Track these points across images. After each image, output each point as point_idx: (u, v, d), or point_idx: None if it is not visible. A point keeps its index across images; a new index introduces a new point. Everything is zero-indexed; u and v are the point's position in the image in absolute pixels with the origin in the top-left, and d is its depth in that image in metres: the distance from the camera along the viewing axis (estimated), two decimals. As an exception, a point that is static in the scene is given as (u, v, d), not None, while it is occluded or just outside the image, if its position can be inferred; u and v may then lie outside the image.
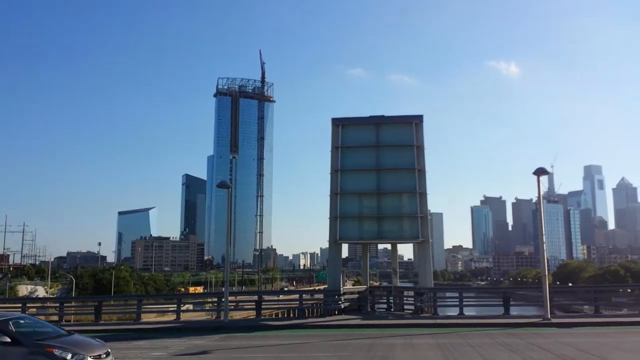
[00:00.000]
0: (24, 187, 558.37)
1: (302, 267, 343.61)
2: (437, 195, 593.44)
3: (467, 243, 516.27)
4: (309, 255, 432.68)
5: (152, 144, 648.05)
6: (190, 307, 37.76)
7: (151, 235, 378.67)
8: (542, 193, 29.09)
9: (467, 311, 31.23)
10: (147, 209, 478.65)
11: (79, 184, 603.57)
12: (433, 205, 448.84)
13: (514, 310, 30.75)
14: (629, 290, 40.91)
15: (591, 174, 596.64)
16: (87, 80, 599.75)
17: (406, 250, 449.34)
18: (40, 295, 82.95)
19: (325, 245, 35.35)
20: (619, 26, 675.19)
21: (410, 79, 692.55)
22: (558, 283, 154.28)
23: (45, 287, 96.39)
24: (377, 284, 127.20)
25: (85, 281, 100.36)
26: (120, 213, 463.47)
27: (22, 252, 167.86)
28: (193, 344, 21.43)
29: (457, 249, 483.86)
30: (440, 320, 27.63)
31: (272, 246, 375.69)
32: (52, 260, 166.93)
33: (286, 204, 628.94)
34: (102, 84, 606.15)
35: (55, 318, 35.07)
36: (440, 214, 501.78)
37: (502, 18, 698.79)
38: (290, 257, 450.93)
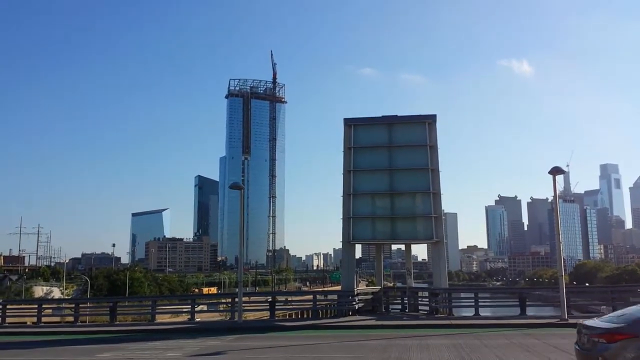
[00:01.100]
0: (39, 189, 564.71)
1: (315, 268, 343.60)
2: (451, 195, 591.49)
3: (482, 243, 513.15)
4: (322, 256, 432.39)
5: (165, 145, 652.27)
6: (205, 307, 37.83)
7: (164, 236, 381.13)
8: (558, 192, 28.75)
9: (483, 312, 30.95)
10: (161, 210, 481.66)
11: (92, 185, 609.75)
12: (447, 205, 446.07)
13: (530, 311, 30.38)
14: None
15: (607, 172, 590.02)
16: (99, 81, 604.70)
17: (420, 251, 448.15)
18: (56, 297, 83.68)
19: (339, 245, 35.30)
20: (634, 23, 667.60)
21: (422, 79, 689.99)
22: (575, 283, 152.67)
23: (61, 289, 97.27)
24: (391, 284, 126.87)
25: (100, 282, 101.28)
26: (133, 214, 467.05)
27: (37, 253, 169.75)
28: (207, 345, 21.42)
29: (472, 249, 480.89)
30: (455, 321, 27.40)
31: (285, 247, 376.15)
32: (67, 261, 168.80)
33: (299, 205, 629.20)
34: (114, 85, 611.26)
35: (71, 319, 35.36)
36: (455, 214, 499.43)
37: (513, 16, 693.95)
38: (304, 258, 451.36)
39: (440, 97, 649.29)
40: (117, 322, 32.38)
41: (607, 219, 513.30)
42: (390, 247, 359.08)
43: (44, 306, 36.64)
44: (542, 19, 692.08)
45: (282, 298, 40.70)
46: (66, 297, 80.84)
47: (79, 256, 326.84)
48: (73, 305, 38.06)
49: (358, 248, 42.79)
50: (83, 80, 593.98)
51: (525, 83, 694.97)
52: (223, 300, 44.39)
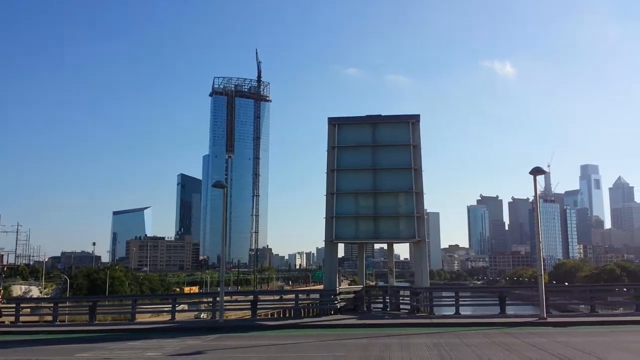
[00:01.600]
0: (18, 187, 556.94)
1: (298, 267, 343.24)
2: (434, 195, 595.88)
3: (464, 242, 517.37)
4: (304, 255, 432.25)
5: (147, 143, 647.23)
6: (185, 307, 37.57)
7: (146, 235, 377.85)
8: (538, 192, 29.07)
9: (464, 310, 31.18)
10: (142, 209, 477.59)
11: (73, 183, 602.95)
12: (429, 205, 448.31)
13: (510, 310, 30.69)
14: (624, 290, 40.87)
15: (588, 173, 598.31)
16: (82, 80, 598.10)
17: (403, 250, 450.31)
18: (35, 296, 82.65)
19: (322, 245, 35.29)
20: (615, 25, 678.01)
21: (406, 79, 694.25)
22: (554, 282, 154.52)
23: (40, 287, 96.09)
24: (373, 283, 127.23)
25: (80, 281, 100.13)
26: (114, 213, 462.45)
27: (16, 252, 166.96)
28: (188, 344, 21.28)
29: (454, 248, 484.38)
30: (436, 320, 27.56)
31: (267, 246, 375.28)
32: (46, 260, 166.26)
33: (282, 204, 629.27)
34: (96, 83, 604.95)
35: (50, 318, 34.89)
36: (437, 214, 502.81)
37: (496, 18, 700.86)
38: (286, 257, 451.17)
39: (424, 97, 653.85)
40: (97, 322, 32.03)
41: (587, 219, 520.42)
42: (373, 247, 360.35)
43: (22, 305, 36.11)
44: (524, 21, 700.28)
45: (265, 297, 40.60)
46: (45, 297, 79.76)
47: (59, 255, 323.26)
48: (52, 305, 37.48)
49: (341, 247, 42.86)
50: (64, 78, 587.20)
51: (507, 84, 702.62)
52: (204, 300, 44.14)
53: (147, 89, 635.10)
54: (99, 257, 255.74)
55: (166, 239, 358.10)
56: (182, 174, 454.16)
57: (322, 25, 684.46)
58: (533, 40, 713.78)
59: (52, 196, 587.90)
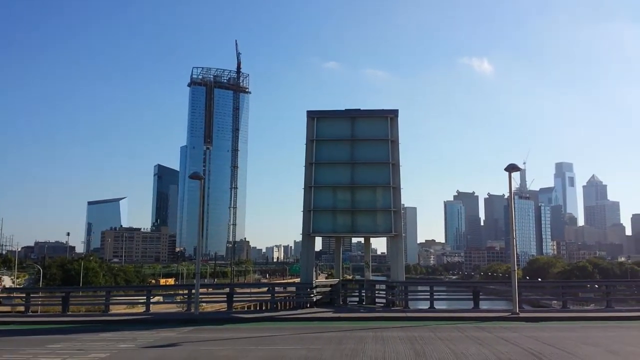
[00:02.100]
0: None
1: (275, 260, 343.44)
2: (411, 190, 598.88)
3: (440, 237, 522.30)
4: (282, 248, 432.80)
5: (124, 133, 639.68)
6: (161, 299, 37.29)
7: (121, 226, 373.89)
8: (513, 189, 29.45)
9: (438, 305, 31.49)
10: (118, 199, 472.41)
11: (47, 172, 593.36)
12: (407, 200, 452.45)
13: (484, 304, 31.11)
14: (596, 286, 41.77)
15: (562, 171, 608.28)
16: (57, 68, 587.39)
17: (380, 244, 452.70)
18: (7, 286, 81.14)
19: (300, 238, 35.26)
20: (590, 24, 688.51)
21: (384, 74, 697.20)
22: (528, 278, 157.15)
23: (12, 277, 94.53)
24: (350, 277, 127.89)
25: (54, 271, 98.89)
26: (89, 203, 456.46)
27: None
28: (162, 336, 21.15)
29: (430, 243, 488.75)
30: (411, 314, 27.80)
31: (245, 238, 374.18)
32: (19, 250, 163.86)
33: (260, 196, 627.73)
34: (72, 72, 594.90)
35: (22, 309, 34.34)
36: (414, 209, 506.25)
37: (475, 15, 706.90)
38: (264, 250, 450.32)
39: (402, 92, 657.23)
40: (70, 313, 31.62)
41: (561, 216, 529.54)
42: (351, 240, 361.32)
43: (-8, 295, 35.46)
44: (502, 19, 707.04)
45: (242, 290, 40.51)
46: (17, 287, 78.51)
47: (32, 245, 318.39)
48: (24, 295, 36.90)
49: (318, 241, 43.02)
50: (43, 67, 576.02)
51: (485, 81, 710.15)
52: (180, 292, 43.88)
53: (124, 77, 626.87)
54: (73, 248, 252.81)
55: (142, 230, 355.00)
56: (159, 165, 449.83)
57: (302, 17, 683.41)
58: (510, 38, 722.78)
59: (26, 185, 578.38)
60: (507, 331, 21.26)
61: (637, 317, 26.12)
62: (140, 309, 33.23)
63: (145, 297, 32.89)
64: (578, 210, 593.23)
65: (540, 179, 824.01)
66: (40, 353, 17.44)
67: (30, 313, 33.56)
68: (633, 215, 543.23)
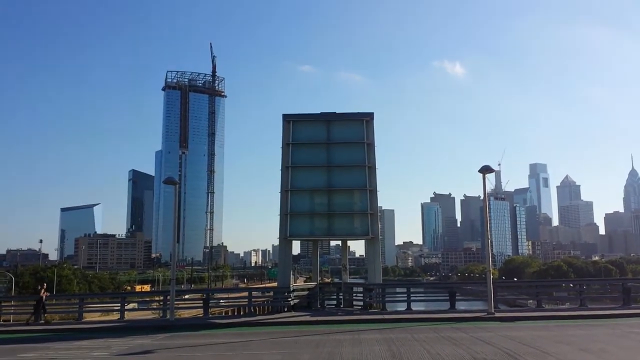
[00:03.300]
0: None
1: (253, 264, 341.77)
2: (389, 192, 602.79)
3: (418, 239, 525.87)
4: (260, 252, 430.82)
5: (97, 138, 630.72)
6: (136, 305, 36.76)
7: (96, 232, 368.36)
8: (489, 190, 29.82)
9: (415, 306, 31.67)
10: (92, 206, 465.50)
11: (19, 178, 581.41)
12: (385, 202, 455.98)
13: (461, 305, 31.35)
14: (571, 285, 42.45)
15: (537, 172, 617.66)
16: (29, 71, 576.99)
17: (358, 247, 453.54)
18: (-23, 295, 79.22)
19: (277, 242, 35.10)
20: (560, 27, 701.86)
21: (359, 77, 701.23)
22: (504, 278, 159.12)
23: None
24: (329, 280, 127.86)
25: (26, 279, 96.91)
26: (63, 209, 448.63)
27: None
28: (136, 344, 20.85)
29: (408, 245, 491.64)
30: (388, 316, 27.91)
31: (222, 243, 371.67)
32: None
33: (238, 201, 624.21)
34: (45, 74, 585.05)
35: (-8, 318, 33.56)
36: (392, 211, 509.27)
37: (447, 18, 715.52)
38: (242, 255, 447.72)
39: (377, 95, 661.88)
40: (43, 321, 30.96)
41: (536, 216, 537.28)
42: (329, 243, 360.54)
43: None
44: (474, 22, 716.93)
45: (219, 295, 40.15)
46: (-12, 296, 76.65)
47: (4, 252, 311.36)
48: (-5, 304, 36.05)
49: (297, 244, 42.97)
50: (14, 72, 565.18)
51: (458, 84, 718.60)
52: (156, 298, 43.31)
53: (98, 81, 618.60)
54: (46, 255, 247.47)
55: (117, 236, 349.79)
56: (133, 170, 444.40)
57: (275, 20, 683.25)
58: (482, 41, 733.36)
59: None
60: (483, 331, 21.46)
61: (609, 315, 26.62)
62: (115, 316, 32.73)
63: (119, 304, 32.42)
64: (552, 210, 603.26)
65: (515, 180, 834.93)
66: (11, 363, 17.03)
67: (2, 322, 32.84)
68: (606, 214, 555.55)
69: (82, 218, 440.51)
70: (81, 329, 27.15)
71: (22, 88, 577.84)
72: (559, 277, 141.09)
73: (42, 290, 30.67)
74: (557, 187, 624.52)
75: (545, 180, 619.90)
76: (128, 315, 33.29)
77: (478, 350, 16.78)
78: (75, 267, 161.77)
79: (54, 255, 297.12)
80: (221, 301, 37.66)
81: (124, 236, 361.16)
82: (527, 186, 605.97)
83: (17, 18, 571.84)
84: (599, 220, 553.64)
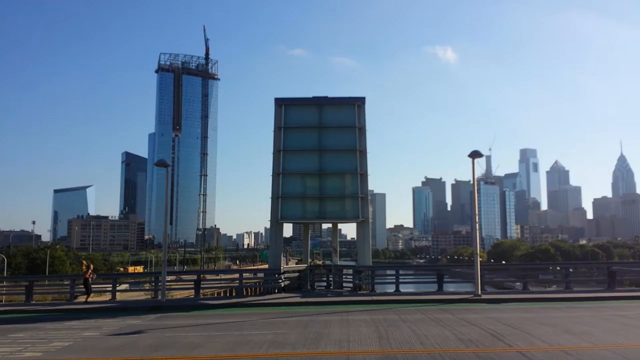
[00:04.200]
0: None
1: (246, 247, 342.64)
2: (381, 176, 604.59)
3: (408, 222, 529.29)
4: (253, 235, 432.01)
5: (90, 120, 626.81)
6: (127, 286, 36.98)
7: (89, 214, 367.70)
8: (479, 175, 30.20)
9: (404, 288, 32.10)
10: (85, 187, 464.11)
11: (12, 160, 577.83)
12: (376, 186, 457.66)
13: (450, 287, 31.81)
14: (558, 268, 43.03)
15: (526, 157, 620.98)
16: (23, 56, 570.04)
17: (350, 230, 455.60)
18: (-31, 276, 79.24)
19: (269, 224, 35.37)
20: (552, 13, 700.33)
21: (351, 62, 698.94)
22: (492, 261, 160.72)
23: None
24: (320, 262, 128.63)
25: (19, 260, 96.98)
26: (56, 191, 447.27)
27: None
28: (127, 324, 21.09)
29: (399, 228, 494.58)
30: (377, 297, 28.30)
31: (215, 225, 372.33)
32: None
33: (231, 183, 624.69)
34: (39, 55, 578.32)
35: (-16, 299, 33.76)
36: (383, 195, 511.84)
37: (439, 3, 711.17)
38: (234, 237, 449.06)
39: (369, 80, 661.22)
40: (34, 302, 31.19)
41: (525, 200, 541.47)
42: (321, 226, 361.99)
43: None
44: (465, 7, 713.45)
45: (210, 277, 40.42)
46: (-21, 277, 76.73)
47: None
48: (-14, 285, 36.24)
49: (289, 227, 43.29)
50: (5, 53, 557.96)
51: (450, 69, 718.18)
52: (147, 280, 43.55)
53: (91, 63, 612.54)
54: (39, 237, 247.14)
55: (110, 218, 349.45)
56: (126, 152, 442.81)
57: (267, 4, 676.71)
58: (473, 27, 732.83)
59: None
60: (469, 313, 21.86)
61: (594, 297, 27.12)
62: (107, 297, 32.95)
63: (111, 285, 32.64)
64: (541, 195, 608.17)
65: (505, 164, 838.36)
66: (1, 343, 17.21)
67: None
68: (594, 199, 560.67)
69: (75, 200, 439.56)
70: (72, 310, 27.33)
71: (18, 71, 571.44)
72: (547, 260, 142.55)
73: (89, 272, 30.66)
74: (547, 172, 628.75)
75: (535, 165, 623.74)
76: (120, 296, 33.53)
77: (464, 331, 17.14)
78: (68, 248, 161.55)
79: (46, 237, 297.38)
80: (213, 282, 37.93)
81: (117, 218, 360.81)
82: (517, 171, 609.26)
83: (11, 4, 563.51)
84: (587, 205, 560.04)
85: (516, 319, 19.86)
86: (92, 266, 31.98)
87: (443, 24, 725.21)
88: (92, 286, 31.50)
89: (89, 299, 30.23)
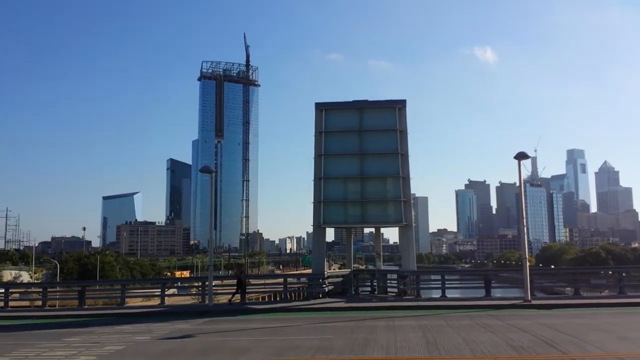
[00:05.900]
0: (8, 172, 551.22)
1: (288, 251, 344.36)
2: (423, 180, 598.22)
3: (452, 226, 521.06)
4: (295, 240, 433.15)
5: (136, 128, 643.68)
6: (175, 291, 37.75)
7: (136, 220, 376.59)
8: (524, 177, 29.47)
9: (450, 293, 31.63)
10: (132, 194, 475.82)
11: (63, 169, 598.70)
12: (418, 190, 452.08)
13: (497, 292, 31.17)
14: (610, 272, 41.55)
15: (574, 157, 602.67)
16: (69, 65, 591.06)
17: (392, 234, 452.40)
18: (25, 281, 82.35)
19: (312, 229, 35.46)
20: (597, 11, 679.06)
21: (388, 65, 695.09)
22: (541, 265, 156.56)
23: (30, 272, 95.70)
24: (362, 267, 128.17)
25: (70, 266, 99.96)
26: (104, 198, 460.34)
27: (5, 237, 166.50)
28: (177, 328, 21.49)
29: (442, 232, 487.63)
30: (422, 302, 27.93)
31: (258, 230, 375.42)
32: (36, 245, 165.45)
33: (272, 188, 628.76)
34: (84, 68, 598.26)
35: (39, 303, 34.97)
36: (426, 198, 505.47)
37: (474, 3, 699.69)
38: (277, 242, 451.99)
39: (407, 83, 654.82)
40: (87, 307, 32.13)
41: (573, 203, 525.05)
42: (363, 231, 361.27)
43: (11, 290, 36.11)
44: (504, 6, 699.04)
45: (255, 281, 40.88)
46: (35, 282, 79.64)
47: (49, 240, 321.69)
48: (41, 290, 37.57)
49: (331, 232, 43.29)
50: (53, 61, 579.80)
51: (490, 70, 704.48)
52: (194, 284, 44.35)
53: (135, 73, 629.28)
54: (89, 242, 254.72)
55: (157, 223, 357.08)
56: (171, 159, 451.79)
57: (301, 9, 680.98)
58: (513, 26, 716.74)
59: (42, 181, 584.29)
60: (519, 318, 21.36)
61: (650, 303, 26.06)
62: (156, 301, 33.70)
63: (160, 290, 33.35)
64: (590, 196, 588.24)
65: (551, 166, 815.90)
66: (57, 346, 17.77)
67: (48, 307, 34.17)
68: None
69: (123, 206, 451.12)
70: (123, 314, 28.04)
71: (67, 80, 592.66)
72: (597, 264, 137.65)
73: (241, 273, 31.99)
74: (595, 173, 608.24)
75: (583, 166, 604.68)
76: (168, 301, 34.23)
77: (514, 337, 16.75)
78: (117, 253, 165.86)
79: (96, 243, 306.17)
80: (258, 287, 38.27)
81: (163, 223, 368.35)
82: (564, 172, 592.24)
83: (54, 12, 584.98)
84: (639, 207, 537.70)
85: (568, 325, 19.30)
86: (243, 269, 33.40)
87: (481, 24, 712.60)
88: (142, 291, 32.24)
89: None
